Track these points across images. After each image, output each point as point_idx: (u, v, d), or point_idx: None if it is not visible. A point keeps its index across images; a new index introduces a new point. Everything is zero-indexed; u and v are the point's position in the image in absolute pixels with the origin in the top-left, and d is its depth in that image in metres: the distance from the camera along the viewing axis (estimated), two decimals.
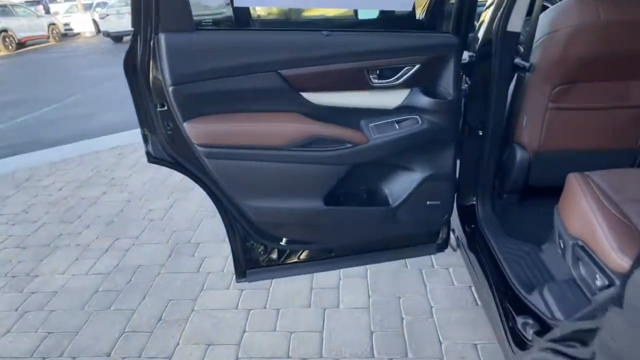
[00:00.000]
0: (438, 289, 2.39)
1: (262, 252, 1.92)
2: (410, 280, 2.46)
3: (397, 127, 1.66)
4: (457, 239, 2.18)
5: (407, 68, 1.59)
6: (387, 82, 1.61)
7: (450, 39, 1.60)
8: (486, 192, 2.03)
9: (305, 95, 1.56)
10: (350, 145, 1.61)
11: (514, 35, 1.68)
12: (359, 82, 1.57)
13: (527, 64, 1.79)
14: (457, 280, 2.45)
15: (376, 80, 1.60)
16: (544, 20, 1.78)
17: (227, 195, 1.67)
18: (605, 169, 1.53)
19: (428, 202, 1.85)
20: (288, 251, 1.94)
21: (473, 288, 2.40)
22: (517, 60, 1.79)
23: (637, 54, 1.71)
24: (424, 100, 1.64)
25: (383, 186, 1.85)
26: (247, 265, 1.92)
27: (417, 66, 1.59)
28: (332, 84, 1.56)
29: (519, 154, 1.98)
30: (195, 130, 1.49)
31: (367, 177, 1.82)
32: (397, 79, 1.61)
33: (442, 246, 2.13)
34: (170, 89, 1.42)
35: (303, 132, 1.54)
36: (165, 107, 1.50)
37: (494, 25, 1.67)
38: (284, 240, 1.85)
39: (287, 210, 1.69)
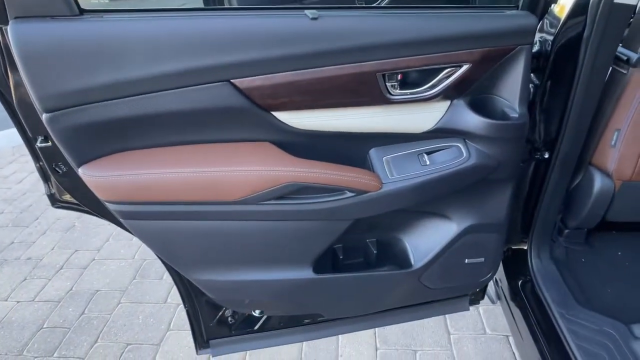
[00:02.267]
0: (465, 339, 1.86)
1: (229, 317, 1.39)
2: (429, 326, 1.93)
3: (427, 161, 1.06)
4: (497, 286, 1.62)
5: (448, 70, 0.97)
6: (414, 94, 1.00)
7: (524, 18, 0.96)
8: (545, 233, 1.44)
9: (279, 115, 0.96)
10: (352, 194, 1.02)
11: (625, 9, 1.02)
12: (368, 94, 0.96)
13: (633, 55, 1.15)
14: (490, 326, 1.92)
15: (397, 91, 0.98)
16: None
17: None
18: None
19: (467, 261, 1.28)
20: (266, 317, 1.40)
21: (511, 339, 1.87)
22: (622, 49, 1.16)
23: None
24: (471, 120, 1.03)
25: (402, 239, 1.27)
26: (209, 333, 1.40)
27: (465, 67, 0.97)
28: (324, 98, 0.95)
29: (599, 182, 1.37)
30: (96, 181, 0.91)
31: (378, 226, 1.25)
32: (431, 87, 0.99)
33: (477, 299, 1.58)
34: (43, 117, 0.82)
35: (275, 178, 0.95)
36: (49, 143, 0.92)
37: None
38: (258, 311, 1.31)
39: (257, 285, 1.13)
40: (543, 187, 1.34)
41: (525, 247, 1.49)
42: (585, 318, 1.28)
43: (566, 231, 1.54)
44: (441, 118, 1.04)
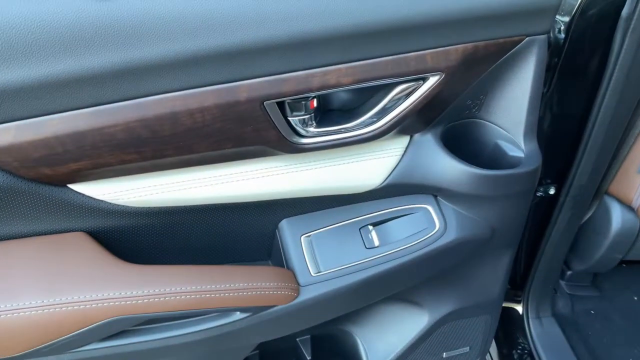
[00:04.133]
0: None
1: None
2: None
3: (376, 240, 0.62)
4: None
5: (405, 86, 0.53)
6: (344, 131, 0.55)
7: None
8: (545, 287, 1.06)
9: (85, 189, 0.50)
10: (246, 314, 0.57)
11: None
12: (255, 139, 0.51)
13: None
14: None
15: (312, 130, 0.53)
16: None
17: None
18: None
19: (446, 354, 0.87)
20: None
21: None
22: None
23: None
24: (446, 167, 0.60)
25: (350, 334, 0.84)
26: None
27: (434, 79, 0.53)
28: (167, 153, 0.49)
29: (619, 218, 0.98)
30: None
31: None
32: (376, 117, 0.55)
33: None
34: None
35: (86, 316, 0.49)
36: None
37: None
38: None
39: None
40: (546, 232, 0.94)
41: (519, 307, 1.10)
42: None
43: (569, 273, 1.16)
44: (396, 167, 0.60)
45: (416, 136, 0.60)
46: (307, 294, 0.59)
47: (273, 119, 0.49)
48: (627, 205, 0.98)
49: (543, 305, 1.08)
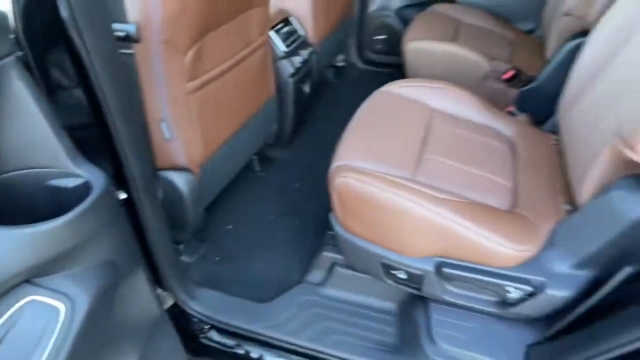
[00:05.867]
0: None
1: None
2: None
3: None
4: None
5: None
6: None
7: None
8: (177, 273, 1.11)
9: None
10: None
11: None
12: None
13: (130, 27, 0.84)
14: None
15: None
16: None
17: None
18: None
19: None
20: None
21: None
22: (117, 25, 0.80)
23: None
24: (11, 246, 0.46)
25: None
26: None
27: None
28: None
29: (184, 183, 1.12)
30: None
31: None
32: None
33: None
34: None
35: None
36: None
37: None
38: None
39: None
40: (145, 228, 0.95)
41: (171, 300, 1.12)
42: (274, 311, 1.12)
43: (181, 246, 1.26)
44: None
45: None
46: None
47: None
48: (181, 169, 1.11)
49: (187, 286, 1.13)
